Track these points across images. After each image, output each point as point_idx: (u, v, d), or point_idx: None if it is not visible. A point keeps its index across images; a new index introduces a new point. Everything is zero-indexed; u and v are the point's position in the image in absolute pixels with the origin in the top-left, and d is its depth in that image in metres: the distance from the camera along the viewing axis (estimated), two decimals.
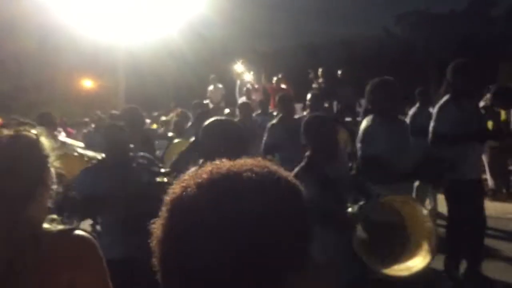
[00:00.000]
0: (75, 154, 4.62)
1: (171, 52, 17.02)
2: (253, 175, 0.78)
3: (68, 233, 1.44)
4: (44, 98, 17.02)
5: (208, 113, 5.58)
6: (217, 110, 10.25)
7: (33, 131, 1.46)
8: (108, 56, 15.83)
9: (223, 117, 2.98)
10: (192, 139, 4.54)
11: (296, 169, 2.93)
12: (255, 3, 21.73)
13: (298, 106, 11.08)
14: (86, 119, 13.18)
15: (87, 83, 19.94)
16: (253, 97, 12.10)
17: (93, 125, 8.84)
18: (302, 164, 3.00)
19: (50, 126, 5.45)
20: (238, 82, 13.10)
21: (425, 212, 2.82)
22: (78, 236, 1.44)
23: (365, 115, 3.71)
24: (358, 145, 3.64)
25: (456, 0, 32.90)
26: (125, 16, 12.67)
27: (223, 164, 0.82)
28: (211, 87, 13.06)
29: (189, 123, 7.48)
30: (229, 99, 12.89)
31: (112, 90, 17.60)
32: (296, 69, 15.71)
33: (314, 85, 10.62)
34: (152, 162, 3.61)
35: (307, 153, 3.06)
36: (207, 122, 2.68)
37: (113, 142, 3.36)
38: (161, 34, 14.39)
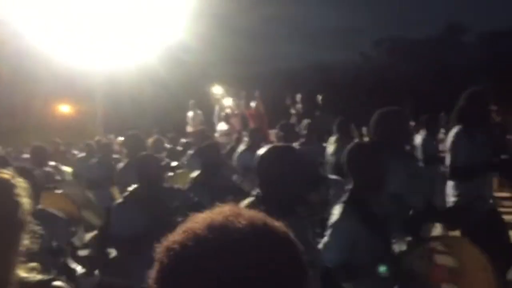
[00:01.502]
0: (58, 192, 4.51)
1: (150, 77, 16.97)
2: (250, 229, 0.80)
3: (47, 284, 1.38)
4: (18, 125, 16.71)
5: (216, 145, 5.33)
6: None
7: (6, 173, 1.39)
8: (85, 82, 15.69)
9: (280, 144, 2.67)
10: (197, 172, 4.37)
11: (339, 209, 2.55)
12: (234, 29, 21.95)
13: (273, 132, 11.12)
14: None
15: (64, 109, 19.68)
16: (232, 122, 12.11)
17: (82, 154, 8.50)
18: (344, 199, 2.60)
19: (43, 161, 5.30)
20: (217, 107, 13.11)
21: (483, 258, 2.36)
22: (57, 287, 1.39)
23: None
24: None
25: (431, 27, 33.80)
26: (102, 41, 12.61)
27: (221, 212, 0.84)
28: (190, 113, 13.03)
29: (190, 152, 6.93)
30: (207, 124, 12.85)
31: (89, 115, 17.40)
32: (274, 94, 15.80)
33: (292, 111, 10.67)
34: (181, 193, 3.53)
35: (349, 187, 2.66)
36: (268, 151, 2.30)
37: (146, 174, 3.24)
38: (139, 59, 14.35)
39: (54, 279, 1.42)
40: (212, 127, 12.38)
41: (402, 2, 39.66)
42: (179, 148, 8.60)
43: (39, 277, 1.39)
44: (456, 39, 31.36)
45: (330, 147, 5.95)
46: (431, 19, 38.77)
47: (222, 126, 11.81)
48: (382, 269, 2.14)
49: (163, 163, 3.61)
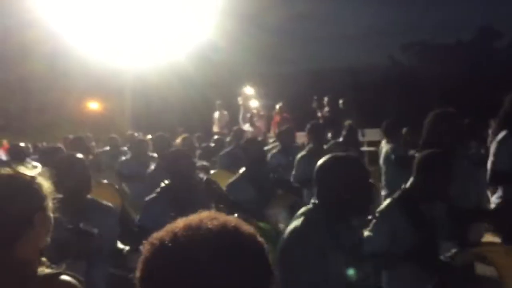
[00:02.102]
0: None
1: (179, 76, 17.18)
2: (220, 228, 0.91)
3: (54, 278, 1.43)
4: (49, 121, 17.17)
5: (259, 141, 5.26)
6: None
7: (31, 172, 1.48)
8: (116, 80, 16.01)
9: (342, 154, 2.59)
10: (242, 170, 4.32)
11: (388, 202, 2.76)
12: (261, 28, 21.98)
13: (300, 134, 11.13)
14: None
15: (93, 106, 20.11)
16: (257, 124, 12.18)
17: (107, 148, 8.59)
18: (395, 197, 2.78)
19: (84, 151, 5.43)
20: (242, 108, 13.20)
21: None
22: (64, 281, 1.43)
23: (424, 147, 3.26)
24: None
25: (463, 31, 33.21)
26: (133, 40, 12.86)
27: (200, 216, 0.95)
28: (216, 114, 13.16)
29: (224, 151, 6.86)
30: (233, 125, 12.95)
31: (117, 112, 17.74)
32: (301, 95, 15.80)
33: (318, 114, 10.68)
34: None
35: (403, 187, 2.80)
36: (328, 160, 2.25)
37: (177, 169, 3.23)
38: (168, 58, 14.57)
39: (61, 273, 1.45)
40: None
41: (432, 5, 39.05)
42: (212, 144, 8.60)
43: (47, 270, 1.43)
44: (488, 44, 30.64)
45: (382, 149, 6.02)
46: (463, 23, 38.07)
47: (247, 128, 11.89)
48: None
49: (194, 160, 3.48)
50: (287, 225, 2.25)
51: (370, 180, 2.28)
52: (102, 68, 14.54)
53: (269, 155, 5.99)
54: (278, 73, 26.54)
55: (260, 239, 0.95)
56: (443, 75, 25.32)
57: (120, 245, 2.88)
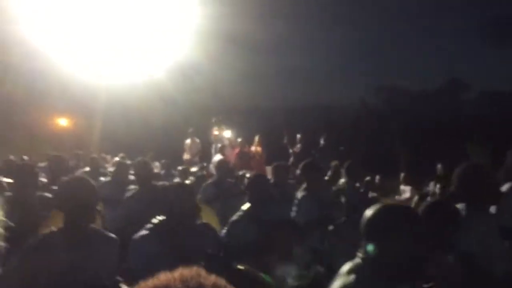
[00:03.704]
0: None
1: (159, 96, 17.00)
2: None
3: None
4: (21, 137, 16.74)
5: (265, 177, 4.90)
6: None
7: None
8: (89, 97, 15.76)
9: None
10: (245, 206, 4.05)
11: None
12: (247, 49, 21.95)
13: (269, 168, 11.19)
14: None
15: (63, 122, 19.74)
16: (228, 155, 12.18)
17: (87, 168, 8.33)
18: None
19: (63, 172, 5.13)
20: (213, 137, 13.21)
21: None
22: None
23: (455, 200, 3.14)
24: None
25: (431, 79, 34.50)
26: (109, 56, 12.65)
27: (182, 274, 0.92)
28: (188, 141, 13.12)
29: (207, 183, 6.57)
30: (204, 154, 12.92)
31: (86, 131, 17.39)
32: (274, 130, 15.93)
33: (290, 150, 10.80)
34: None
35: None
36: (379, 211, 2.05)
37: (175, 203, 2.84)
38: (149, 77, 14.40)
39: None
40: (208, 157, 12.45)
41: (405, 51, 40.51)
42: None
43: None
44: (456, 95, 31.90)
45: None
46: (433, 72, 39.65)
47: (217, 158, 11.86)
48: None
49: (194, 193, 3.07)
50: (298, 284, 2.15)
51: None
52: (76, 84, 14.29)
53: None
54: (254, 106, 26.80)
55: None
56: (410, 121, 26.10)
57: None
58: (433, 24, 42.04)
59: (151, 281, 0.92)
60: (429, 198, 7.68)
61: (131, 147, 14.03)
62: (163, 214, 2.92)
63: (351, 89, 38.53)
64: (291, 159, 10.36)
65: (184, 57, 13.38)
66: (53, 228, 2.61)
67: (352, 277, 1.92)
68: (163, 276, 0.93)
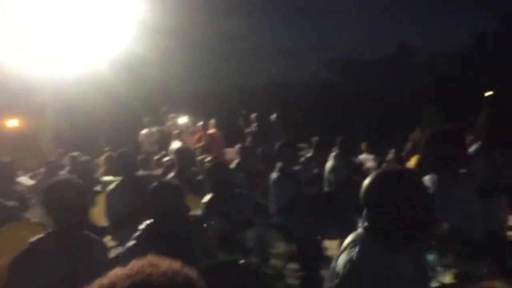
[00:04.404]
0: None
1: (104, 90, 16.68)
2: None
3: None
4: None
5: (225, 164, 4.78)
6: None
7: None
8: (35, 95, 15.27)
9: None
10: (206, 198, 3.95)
11: None
12: (191, 46, 21.90)
13: (230, 150, 11.21)
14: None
15: (12, 123, 19.04)
16: (187, 141, 12.10)
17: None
18: None
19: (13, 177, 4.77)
20: (169, 124, 13.06)
21: None
22: None
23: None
24: None
25: (382, 48, 35.13)
26: (51, 50, 12.24)
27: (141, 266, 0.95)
28: (145, 131, 12.92)
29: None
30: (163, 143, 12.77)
31: (40, 130, 16.88)
32: (229, 112, 15.97)
33: (247, 131, 10.82)
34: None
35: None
36: (378, 177, 1.97)
37: (165, 204, 2.70)
38: (92, 71, 14.07)
39: None
40: (166, 146, 12.33)
41: (355, 22, 41.05)
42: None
43: None
44: (407, 60, 32.71)
45: (329, 163, 5.90)
46: (383, 40, 40.34)
47: (176, 145, 11.77)
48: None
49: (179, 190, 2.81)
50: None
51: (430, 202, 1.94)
52: (20, 82, 13.78)
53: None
54: (208, 91, 26.65)
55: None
56: (364, 90, 26.65)
57: None
58: None
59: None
60: (384, 165, 7.94)
61: (78, 143, 13.78)
62: (152, 216, 2.76)
63: (304, 64, 38.81)
64: (248, 140, 10.40)
65: (127, 50, 13.13)
66: (41, 235, 2.45)
67: (356, 249, 1.89)
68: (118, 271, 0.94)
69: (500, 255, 3.09)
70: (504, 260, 3.05)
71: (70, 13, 11.57)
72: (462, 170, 3.12)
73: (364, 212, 1.93)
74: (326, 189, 5.84)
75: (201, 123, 12.14)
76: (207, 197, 3.96)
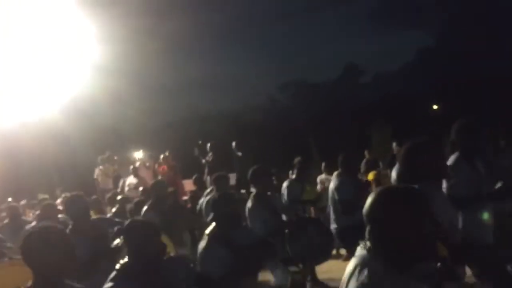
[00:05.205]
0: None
1: (52, 134, 16.20)
2: None
3: None
4: None
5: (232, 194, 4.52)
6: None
7: None
8: None
9: None
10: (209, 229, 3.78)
11: None
12: (140, 84, 21.74)
13: (187, 182, 11.11)
14: None
15: None
16: (142, 175, 11.90)
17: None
18: None
19: None
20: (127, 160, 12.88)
21: None
22: None
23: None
24: None
25: (330, 70, 36.23)
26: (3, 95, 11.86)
27: None
28: (100, 167, 12.64)
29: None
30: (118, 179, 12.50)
31: None
32: (187, 142, 15.88)
33: (203, 161, 10.76)
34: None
35: None
36: (380, 194, 1.92)
37: (141, 244, 2.67)
38: (41, 115, 13.67)
39: None
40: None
41: (303, 46, 42.10)
42: None
43: None
44: (353, 81, 33.82)
45: (332, 183, 5.68)
46: (331, 62, 41.70)
47: (131, 180, 11.56)
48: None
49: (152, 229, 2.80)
50: None
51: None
52: None
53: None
54: (161, 125, 26.47)
55: None
56: (315, 113, 27.22)
57: None
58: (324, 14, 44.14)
59: None
60: None
61: (22, 189, 13.33)
62: (128, 257, 2.73)
63: (259, 90, 39.38)
64: (205, 169, 10.35)
65: (79, 94, 12.94)
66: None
67: (364, 273, 1.81)
68: None
69: (476, 264, 3.19)
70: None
71: (17, 56, 11.35)
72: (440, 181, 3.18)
73: (367, 229, 1.89)
74: (330, 209, 5.69)
75: (162, 155, 12.02)
76: (210, 227, 3.80)
